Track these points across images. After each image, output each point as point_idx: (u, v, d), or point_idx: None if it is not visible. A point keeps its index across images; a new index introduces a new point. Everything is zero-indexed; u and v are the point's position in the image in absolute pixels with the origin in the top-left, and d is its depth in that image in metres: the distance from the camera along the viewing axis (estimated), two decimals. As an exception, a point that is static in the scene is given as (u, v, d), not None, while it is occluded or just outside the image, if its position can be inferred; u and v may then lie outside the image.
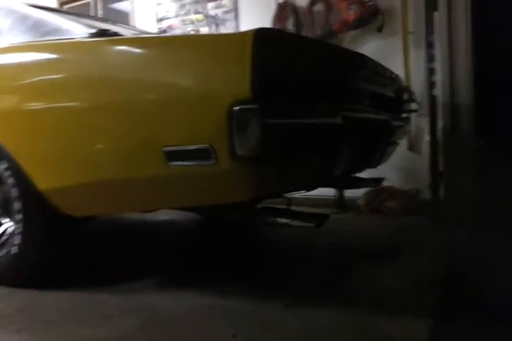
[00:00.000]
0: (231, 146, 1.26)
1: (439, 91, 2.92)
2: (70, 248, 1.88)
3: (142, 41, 1.46)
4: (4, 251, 1.74)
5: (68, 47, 1.59)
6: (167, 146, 1.34)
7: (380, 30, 3.11)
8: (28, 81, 1.62)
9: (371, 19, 3.08)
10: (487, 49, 3.20)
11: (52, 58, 1.62)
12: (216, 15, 3.88)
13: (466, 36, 2.96)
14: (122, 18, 4.37)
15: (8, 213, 1.79)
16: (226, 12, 3.83)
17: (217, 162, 1.30)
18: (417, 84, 3.05)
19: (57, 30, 1.73)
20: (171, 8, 4.13)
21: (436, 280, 1.75)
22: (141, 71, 1.41)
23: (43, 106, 1.57)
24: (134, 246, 2.47)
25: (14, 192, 1.68)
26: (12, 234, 1.73)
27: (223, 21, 3.85)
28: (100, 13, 4.60)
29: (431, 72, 2.80)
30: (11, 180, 1.68)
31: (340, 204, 3.16)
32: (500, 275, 1.77)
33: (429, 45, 2.79)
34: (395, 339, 1.27)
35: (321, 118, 1.48)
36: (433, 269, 1.90)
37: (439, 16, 2.93)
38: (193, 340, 1.30)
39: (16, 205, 1.68)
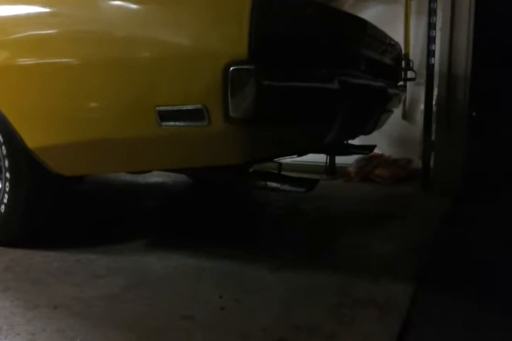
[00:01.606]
0: (225, 108, 1.23)
1: (437, 60, 2.87)
2: (59, 208, 1.88)
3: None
4: (-7, 209, 1.73)
5: (61, 1, 1.53)
6: (160, 106, 1.32)
7: (382, -6, 3.03)
8: (19, 35, 1.57)
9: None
10: (489, 19, 3.13)
11: (45, 12, 1.56)
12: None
13: (470, 4, 2.90)
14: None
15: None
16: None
17: (211, 123, 1.27)
18: (416, 52, 3.00)
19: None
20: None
21: (420, 247, 1.78)
22: (136, 27, 1.36)
23: (34, 62, 1.53)
24: (124, 207, 2.47)
25: (3, 150, 1.65)
26: (1, 192, 1.71)
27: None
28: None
29: (431, 40, 2.75)
30: (-1, 138, 1.65)
31: (331, 170, 3.17)
32: (484, 244, 1.81)
33: (431, 12, 2.72)
34: (377, 302, 1.30)
35: (318, 82, 1.46)
36: (418, 236, 1.93)
37: (443, -17, 2.85)
38: (179, 300, 1.31)
39: (5, 164, 1.65)
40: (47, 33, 1.51)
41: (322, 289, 1.39)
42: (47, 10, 1.55)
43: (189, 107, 1.28)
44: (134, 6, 1.39)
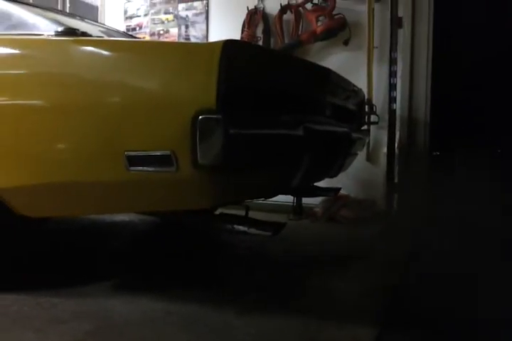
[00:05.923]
0: (193, 154, 1.28)
1: (398, 106, 3.02)
2: (19, 248, 1.84)
3: (111, 44, 1.46)
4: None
5: (34, 44, 1.56)
6: (129, 151, 1.35)
7: (346, 43, 3.18)
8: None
9: (338, 32, 3.15)
10: (446, 68, 3.33)
11: (17, 53, 1.58)
12: (187, 16, 3.87)
13: (427, 54, 3.08)
14: (90, 12, 4.29)
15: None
16: (197, 14, 3.83)
17: (179, 169, 1.31)
18: (378, 98, 3.14)
19: (23, 25, 1.70)
20: (141, 6, 4.09)
21: (383, 290, 1.81)
22: (107, 73, 1.40)
23: (2, 102, 1.53)
24: (89, 247, 2.43)
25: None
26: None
27: (193, 23, 3.85)
28: (68, 6, 4.50)
29: (392, 87, 2.89)
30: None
31: (298, 211, 3.21)
32: (450, 287, 1.85)
33: (392, 61, 2.87)
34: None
35: (284, 129, 1.52)
36: (385, 278, 1.96)
37: (403, 34, 3.04)
38: (145, 345, 1.30)
39: (-32, 203, 1.62)
40: (16, 74, 1.53)
41: (289, 333, 1.39)
42: (17, 51, 1.58)
43: (158, 153, 1.32)
44: (105, 53, 1.44)
